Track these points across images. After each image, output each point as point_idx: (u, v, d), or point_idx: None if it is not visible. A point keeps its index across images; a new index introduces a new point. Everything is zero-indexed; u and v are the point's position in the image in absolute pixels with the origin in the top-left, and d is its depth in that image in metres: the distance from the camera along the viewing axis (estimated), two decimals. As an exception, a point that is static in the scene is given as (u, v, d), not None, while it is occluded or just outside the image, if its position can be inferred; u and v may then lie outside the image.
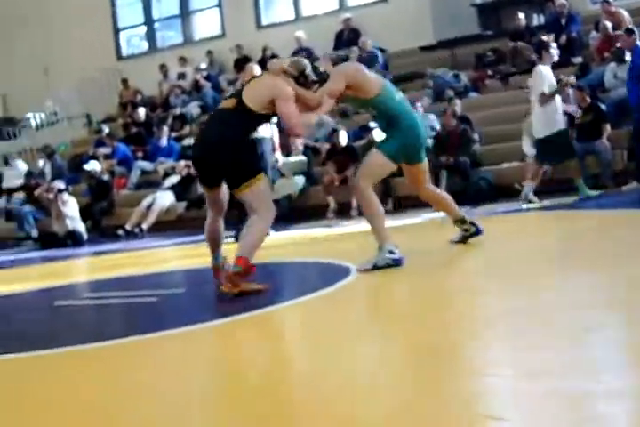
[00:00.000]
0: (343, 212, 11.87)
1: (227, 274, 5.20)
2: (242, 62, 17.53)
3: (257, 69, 10.72)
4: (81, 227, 13.78)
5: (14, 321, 5.69)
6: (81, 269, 9.20)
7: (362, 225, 9.81)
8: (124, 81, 19.42)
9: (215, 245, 5.74)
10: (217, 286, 5.48)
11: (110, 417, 2.90)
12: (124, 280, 6.89)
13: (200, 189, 14.46)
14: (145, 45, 20.66)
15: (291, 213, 12.20)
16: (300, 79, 5.61)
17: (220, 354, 3.85)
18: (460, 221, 6.56)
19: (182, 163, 14.72)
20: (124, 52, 20.78)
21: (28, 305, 6.64)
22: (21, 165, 17.74)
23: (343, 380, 2.99)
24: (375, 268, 5.63)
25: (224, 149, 5.29)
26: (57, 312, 5.59)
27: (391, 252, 5.71)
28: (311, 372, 3.24)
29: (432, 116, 12.76)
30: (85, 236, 13.84)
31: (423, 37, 15.94)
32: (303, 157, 13.14)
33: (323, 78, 5.98)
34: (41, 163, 17.27)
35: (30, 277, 9.00)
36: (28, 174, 17.00)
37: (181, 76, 18.50)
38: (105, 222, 14.59)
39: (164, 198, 14.04)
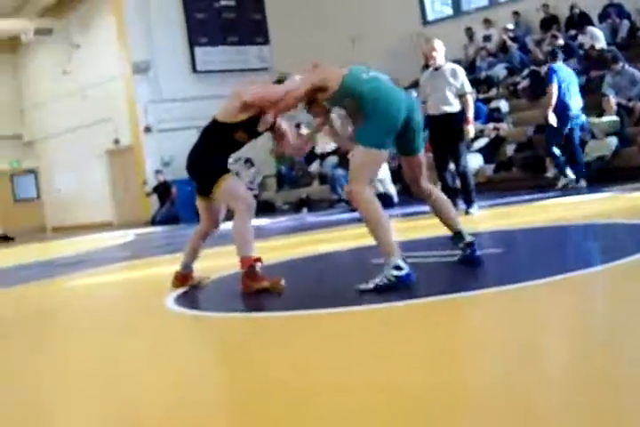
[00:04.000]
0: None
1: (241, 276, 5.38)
2: (549, 22, 17.23)
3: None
4: (392, 189, 14.20)
5: (338, 278, 6.02)
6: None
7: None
8: (430, 45, 19.61)
9: (190, 254, 5.99)
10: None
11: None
12: (435, 240, 7.02)
13: (509, 152, 14.48)
14: (449, 10, 20.74)
15: (603, 175, 11.91)
16: None
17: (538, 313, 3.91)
18: (458, 237, 5.47)
19: (491, 125, 14.74)
20: (429, 16, 20.97)
21: (348, 263, 7.00)
22: (334, 130, 18.45)
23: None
24: (377, 288, 4.71)
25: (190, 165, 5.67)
26: (374, 270, 5.83)
27: (398, 268, 4.71)
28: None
29: None
30: (396, 198, 14.24)
31: None
32: (615, 118, 12.74)
33: None
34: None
35: (346, 236, 9.42)
36: (340, 139, 17.60)
37: (487, 38, 18.43)
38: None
39: (473, 161, 14.09)
